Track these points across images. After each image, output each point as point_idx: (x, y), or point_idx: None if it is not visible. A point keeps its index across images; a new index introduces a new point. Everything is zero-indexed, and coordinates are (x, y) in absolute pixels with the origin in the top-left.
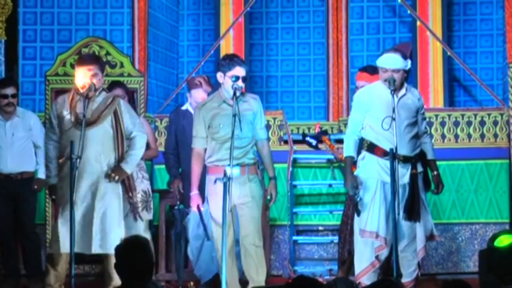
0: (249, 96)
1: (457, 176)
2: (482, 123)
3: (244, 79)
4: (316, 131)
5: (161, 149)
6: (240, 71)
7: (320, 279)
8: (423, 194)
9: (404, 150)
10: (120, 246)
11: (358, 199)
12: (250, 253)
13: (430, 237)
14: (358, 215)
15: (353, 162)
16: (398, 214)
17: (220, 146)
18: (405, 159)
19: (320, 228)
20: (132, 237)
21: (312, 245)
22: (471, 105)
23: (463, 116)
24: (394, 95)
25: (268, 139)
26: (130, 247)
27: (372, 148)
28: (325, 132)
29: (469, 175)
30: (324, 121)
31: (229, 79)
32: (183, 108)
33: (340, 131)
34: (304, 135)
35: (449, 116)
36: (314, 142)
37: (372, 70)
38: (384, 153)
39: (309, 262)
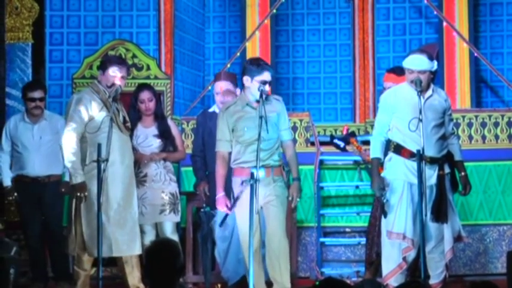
0: (272, 98)
1: (485, 177)
2: (509, 123)
3: (270, 83)
4: (344, 132)
5: (188, 151)
6: (268, 76)
7: (347, 281)
8: (450, 195)
9: (431, 152)
10: (150, 248)
11: (384, 200)
12: (275, 254)
13: (457, 239)
14: (385, 216)
15: (380, 164)
16: (426, 215)
17: (245, 148)
18: (432, 161)
19: (347, 230)
20: (162, 239)
21: (339, 247)
22: (498, 106)
23: (490, 116)
24: (421, 96)
25: (294, 140)
26: (160, 249)
27: (399, 149)
28: (353, 134)
29: (496, 176)
30: (350, 123)
31: (257, 83)
32: (210, 110)
33: (367, 133)
34: (332, 137)
35: (476, 117)
36: (342, 144)
37: (399, 71)
38: (410, 155)
39: (336, 264)
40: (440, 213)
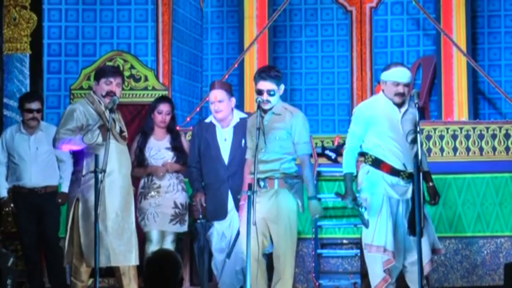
0: (288, 110)
1: (482, 189)
2: (507, 135)
3: (272, 93)
4: (336, 143)
5: None
6: (262, 84)
7: None
8: (424, 207)
9: (409, 166)
10: (151, 259)
11: (363, 210)
12: (276, 267)
13: (433, 251)
14: (367, 226)
15: (353, 177)
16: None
17: (252, 159)
18: (410, 175)
19: (344, 241)
20: (163, 250)
21: (337, 259)
22: (496, 118)
23: (487, 128)
24: (400, 110)
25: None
26: (161, 260)
27: (378, 164)
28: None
29: (494, 188)
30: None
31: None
32: (207, 121)
33: None
34: (323, 148)
35: (473, 128)
36: (333, 155)
37: None
38: (390, 170)
39: (334, 275)
40: (414, 226)
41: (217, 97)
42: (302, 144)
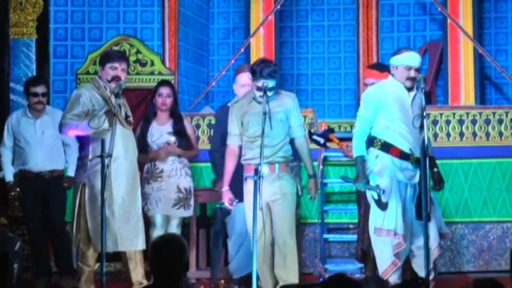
0: (283, 94)
1: (488, 174)
2: None
3: (270, 89)
4: (322, 128)
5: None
6: (263, 83)
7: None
8: (431, 192)
9: (417, 151)
10: (157, 243)
11: (381, 192)
12: (281, 252)
13: (440, 236)
14: (384, 209)
15: (363, 161)
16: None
17: (250, 144)
18: (418, 160)
19: (351, 226)
20: (168, 234)
21: (343, 243)
22: (502, 103)
23: (494, 114)
24: (410, 94)
25: (305, 136)
26: (166, 244)
27: (387, 148)
28: (331, 130)
29: (500, 173)
30: (354, 119)
31: (257, 84)
32: (230, 104)
33: None
34: (310, 133)
35: (480, 114)
36: (322, 140)
37: (381, 67)
38: (399, 154)
39: (340, 260)
40: (421, 210)
41: (249, 81)
42: (299, 126)
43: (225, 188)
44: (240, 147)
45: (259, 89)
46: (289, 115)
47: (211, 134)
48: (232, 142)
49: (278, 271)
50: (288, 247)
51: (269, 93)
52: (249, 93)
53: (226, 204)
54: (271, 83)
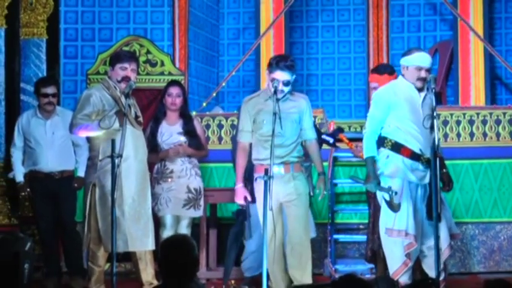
0: (298, 96)
1: (499, 174)
2: None
3: (286, 83)
4: (331, 129)
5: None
6: (279, 75)
7: None
8: (441, 193)
9: (428, 152)
10: (166, 243)
11: (393, 194)
12: (295, 252)
13: (450, 236)
14: (396, 210)
15: (374, 161)
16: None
17: (264, 142)
18: (428, 160)
19: (361, 226)
20: (178, 235)
21: (353, 244)
22: None
23: (504, 114)
24: (420, 94)
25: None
26: (176, 244)
27: (398, 148)
28: (340, 130)
29: (510, 173)
30: (364, 120)
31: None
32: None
33: None
34: (319, 133)
35: (490, 114)
36: (331, 140)
37: (382, 70)
38: (410, 154)
39: (350, 260)
40: (432, 211)
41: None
42: (311, 128)
43: (239, 185)
44: (251, 145)
45: (276, 81)
46: (302, 117)
47: (221, 134)
48: (244, 139)
49: (293, 271)
50: (303, 247)
51: (285, 89)
52: (265, 90)
53: (241, 202)
54: (287, 76)
